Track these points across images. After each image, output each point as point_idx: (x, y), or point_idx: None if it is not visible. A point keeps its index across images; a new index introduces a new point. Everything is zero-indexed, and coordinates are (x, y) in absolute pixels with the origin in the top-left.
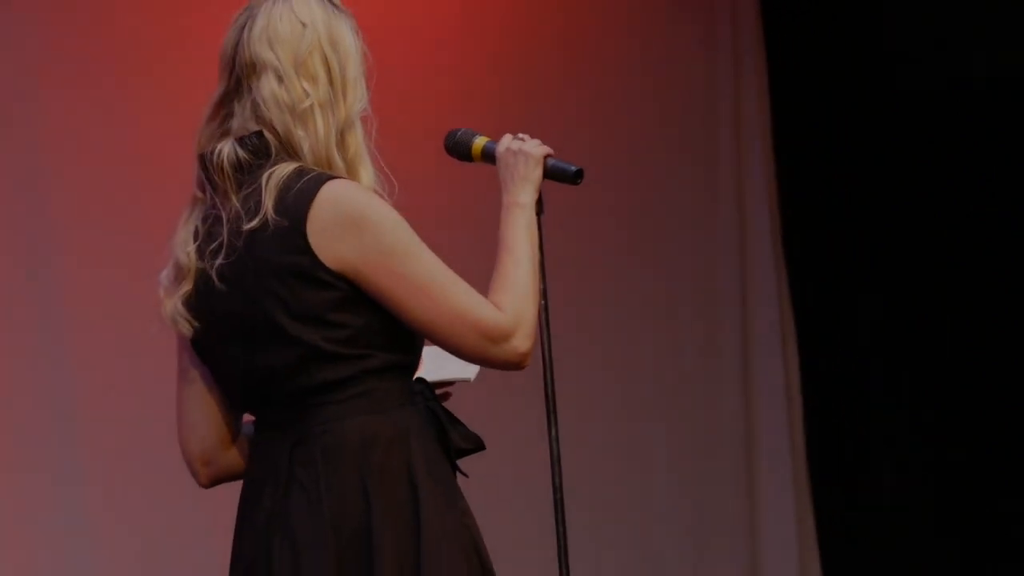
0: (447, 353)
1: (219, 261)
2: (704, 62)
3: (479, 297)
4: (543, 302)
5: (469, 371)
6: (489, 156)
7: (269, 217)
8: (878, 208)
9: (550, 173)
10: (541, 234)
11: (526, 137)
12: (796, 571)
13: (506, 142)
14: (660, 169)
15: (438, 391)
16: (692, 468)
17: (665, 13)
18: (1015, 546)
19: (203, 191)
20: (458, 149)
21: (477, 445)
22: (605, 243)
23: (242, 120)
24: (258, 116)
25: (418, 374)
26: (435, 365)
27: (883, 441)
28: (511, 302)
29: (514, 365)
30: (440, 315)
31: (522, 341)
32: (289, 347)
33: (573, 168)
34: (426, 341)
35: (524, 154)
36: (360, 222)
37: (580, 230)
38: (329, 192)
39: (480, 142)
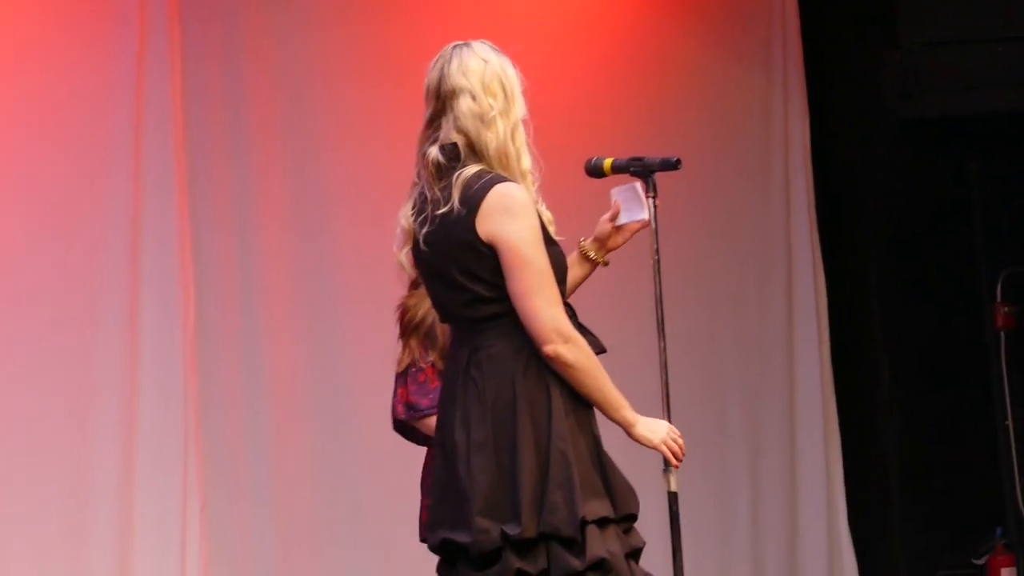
0: (631, 199)
1: (424, 230)
2: (761, 98)
3: (553, 306)
4: (656, 258)
5: (646, 214)
6: (618, 169)
7: (455, 207)
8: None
9: (659, 166)
10: (656, 216)
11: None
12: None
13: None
14: (726, 176)
15: (631, 228)
16: (751, 418)
17: (736, 58)
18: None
19: (419, 179)
20: (595, 172)
21: (600, 348)
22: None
23: (446, 131)
24: (457, 126)
25: (620, 219)
26: (625, 209)
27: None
28: (566, 327)
29: (544, 357)
30: (519, 300)
31: (553, 349)
32: (461, 293)
33: (674, 159)
34: (622, 189)
35: None
36: (511, 213)
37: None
38: (497, 191)
39: (608, 162)
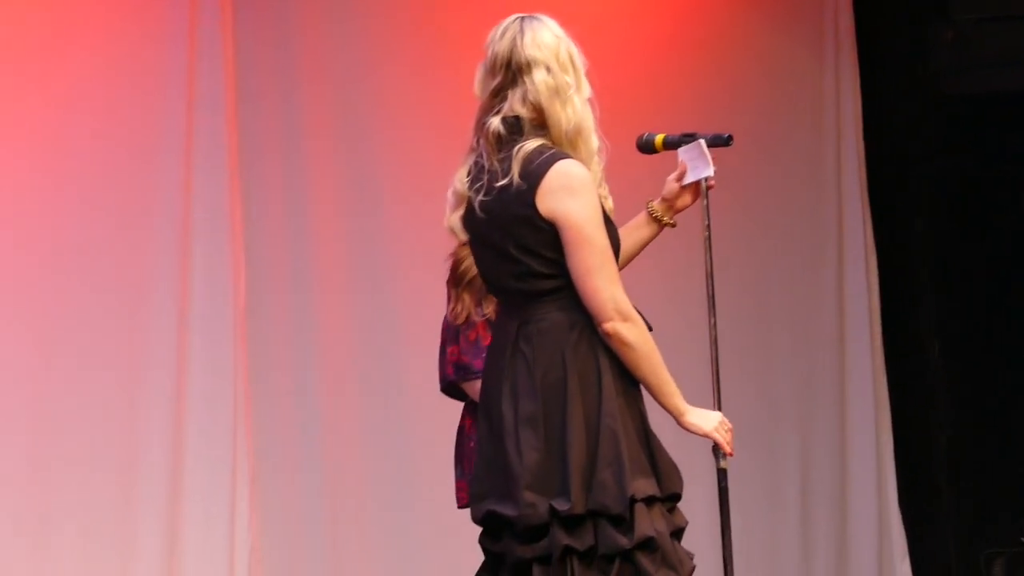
0: (696, 157)
1: (480, 197)
2: (813, 77)
3: (614, 284)
4: (707, 234)
5: (712, 170)
6: (669, 145)
7: (514, 180)
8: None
9: (711, 142)
10: (707, 192)
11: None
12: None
13: None
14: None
15: (699, 187)
16: (802, 395)
17: (787, 35)
18: None
19: (477, 146)
20: (646, 148)
21: (647, 327)
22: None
23: (511, 103)
24: (528, 99)
25: (688, 178)
26: (691, 168)
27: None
28: (626, 306)
29: (601, 334)
30: (580, 279)
31: (612, 327)
32: (515, 265)
33: (725, 135)
34: (687, 147)
35: None
36: (572, 191)
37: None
38: (559, 168)
39: (660, 138)
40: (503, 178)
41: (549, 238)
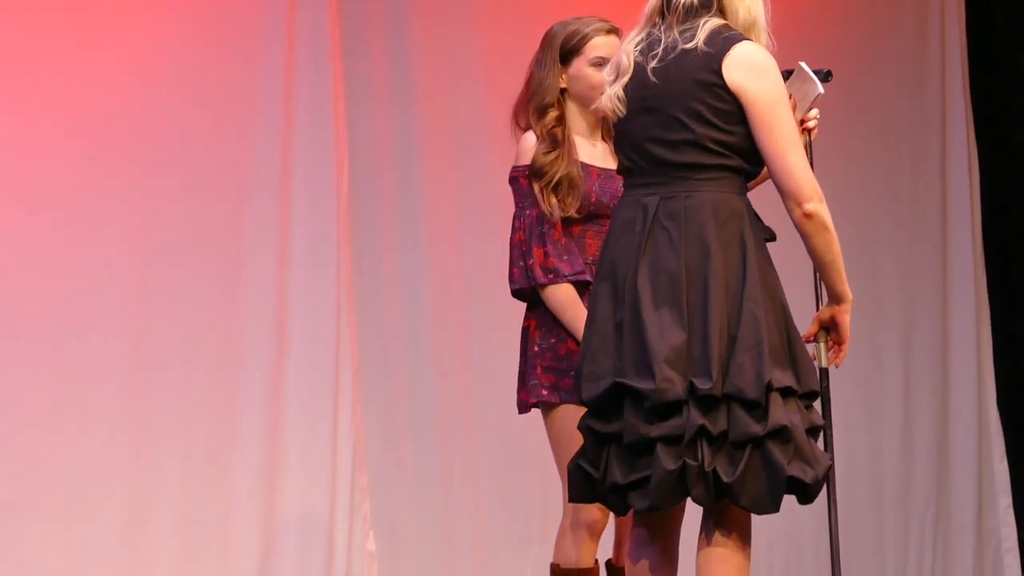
0: (804, 82)
1: (654, 64)
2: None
3: (805, 164)
4: (808, 139)
5: (819, 88)
6: None
7: (699, 46)
8: None
9: (823, 77)
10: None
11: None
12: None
13: None
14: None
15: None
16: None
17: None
18: None
19: (651, 23)
20: None
21: (771, 236)
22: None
23: None
24: None
25: (801, 107)
26: (801, 98)
27: None
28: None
29: (797, 217)
30: (777, 159)
31: (814, 207)
32: (679, 132)
33: (824, 71)
34: (790, 80)
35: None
36: (764, 72)
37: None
38: (748, 46)
39: None
40: (687, 44)
41: (727, 110)
